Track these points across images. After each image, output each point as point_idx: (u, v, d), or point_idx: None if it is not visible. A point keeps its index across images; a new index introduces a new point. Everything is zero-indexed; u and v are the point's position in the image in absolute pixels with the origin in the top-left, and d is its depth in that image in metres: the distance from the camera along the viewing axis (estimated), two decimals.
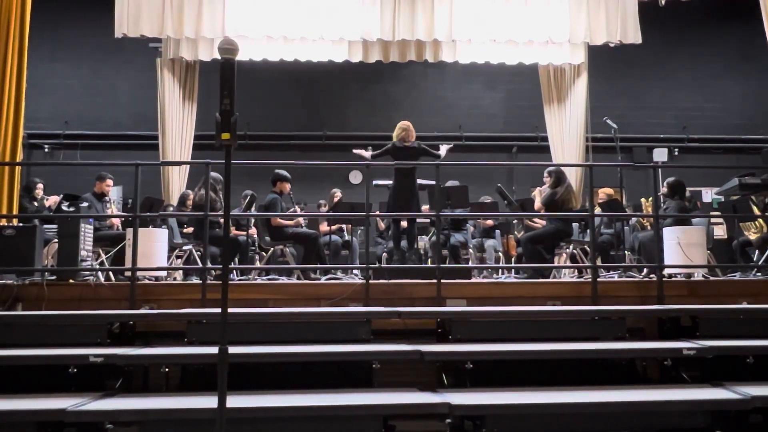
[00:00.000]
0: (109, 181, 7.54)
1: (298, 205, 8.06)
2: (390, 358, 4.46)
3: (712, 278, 6.28)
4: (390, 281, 5.73)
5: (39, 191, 7.88)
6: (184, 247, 7.41)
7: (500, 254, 8.48)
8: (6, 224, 6.13)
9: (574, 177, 9.64)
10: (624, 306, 5.28)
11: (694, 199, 10.05)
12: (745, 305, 5.32)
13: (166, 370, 4.35)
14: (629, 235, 8.11)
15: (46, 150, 11.93)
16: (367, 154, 7.21)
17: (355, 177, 12.15)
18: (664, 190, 7.33)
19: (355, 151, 7.42)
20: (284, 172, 7.39)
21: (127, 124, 11.94)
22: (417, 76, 12.42)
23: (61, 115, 11.87)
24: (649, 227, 7.63)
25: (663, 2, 8.76)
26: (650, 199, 7.87)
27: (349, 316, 4.95)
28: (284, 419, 3.71)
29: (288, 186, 7.38)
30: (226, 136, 3.03)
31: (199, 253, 7.14)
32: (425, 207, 8.05)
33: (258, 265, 7.56)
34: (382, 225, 9.05)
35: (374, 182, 7.34)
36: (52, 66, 11.81)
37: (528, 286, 5.78)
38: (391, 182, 7.29)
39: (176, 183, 9.83)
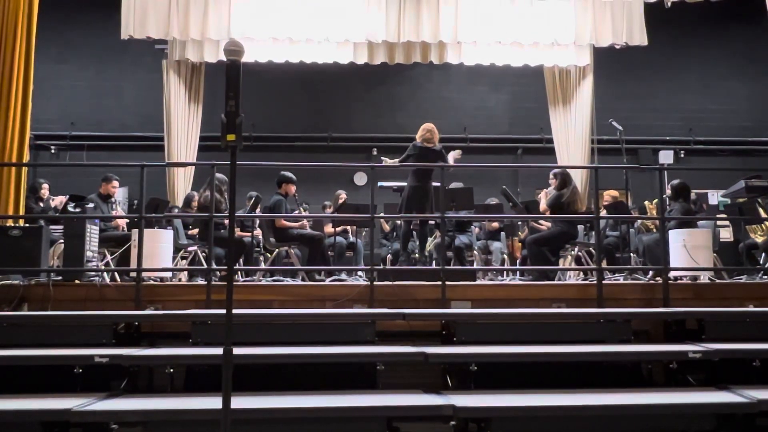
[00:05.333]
0: (115, 183, 7.57)
1: (301, 206, 8.07)
2: (394, 359, 4.45)
3: (718, 281, 6.25)
4: (394, 283, 5.72)
5: (44, 192, 7.91)
6: (189, 248, 7.42)
7: (505, 256, 8.47)
8: (12, 225, 6.15)
9: (579, 179, 9.61)
10: (629, 308, 5.27)
11: (700, 201, 10.01)
12: (751, 308, 5.29)
13: (171, 370, 4.36)
14: (634, 237, 8.08)
15: (53, 151, 11.97)
16: (392, 161, 7.20)
17: (360, 178, 12.15)
18: (668, 192, 7.30)
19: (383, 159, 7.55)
20: (289, 174, 7.40)
21: (132, 125, 11.98)
22: (422, 77, 12.41)
23: (67, 117, 11.92)
24: (654, 230, 7.60)
25: (669, 4, 8.71)
26: (654, 202, 7.84)
27: (354, 317, 4.95)
28: (288, 420, 3.71)
29: (293, 187, 7.38)
30: (231, 137, 3.04)
31: (204, 254, 7.16)
32: None
33: (263, 266, 7.57)
34: (386, 227, 9.05)
35: (379, 184, 7.33)
36: (59, 67, 11.85)
37: (533, 288, 5.77)
38: (396, 184, 7.25)
39: (182, 184, 9.85)
